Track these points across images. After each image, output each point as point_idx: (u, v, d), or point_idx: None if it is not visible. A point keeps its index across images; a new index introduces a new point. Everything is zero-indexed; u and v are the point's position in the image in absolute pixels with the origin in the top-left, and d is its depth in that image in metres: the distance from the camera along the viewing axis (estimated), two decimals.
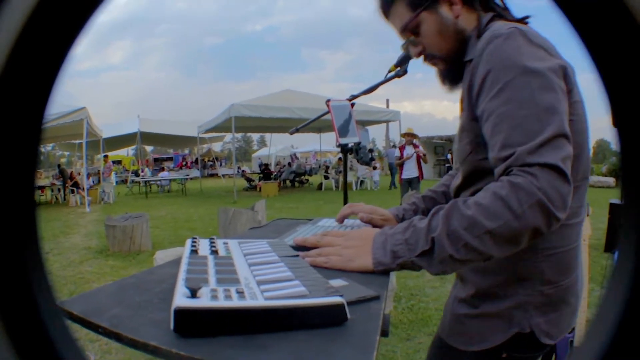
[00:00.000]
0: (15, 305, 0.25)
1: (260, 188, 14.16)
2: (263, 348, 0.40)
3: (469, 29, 0.86)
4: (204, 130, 14.76)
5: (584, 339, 0.27)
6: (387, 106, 22.66)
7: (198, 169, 21.27)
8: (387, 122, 14.19)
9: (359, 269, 0.71)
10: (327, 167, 17.99)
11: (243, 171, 22.25)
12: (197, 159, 23.55)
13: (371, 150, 1.46)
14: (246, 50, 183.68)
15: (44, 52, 0.24)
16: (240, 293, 0.46)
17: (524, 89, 0.70)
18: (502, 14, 0.87)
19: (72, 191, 11.96)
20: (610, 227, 4.66)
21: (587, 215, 2.16)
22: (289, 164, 19.47)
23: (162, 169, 22.98)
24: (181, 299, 0.43)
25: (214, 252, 0.68)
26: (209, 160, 28.26)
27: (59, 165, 14.28)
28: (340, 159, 17.26)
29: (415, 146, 7.49)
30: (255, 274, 0.56)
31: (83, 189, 11.37)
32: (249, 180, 17.02)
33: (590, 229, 2.15)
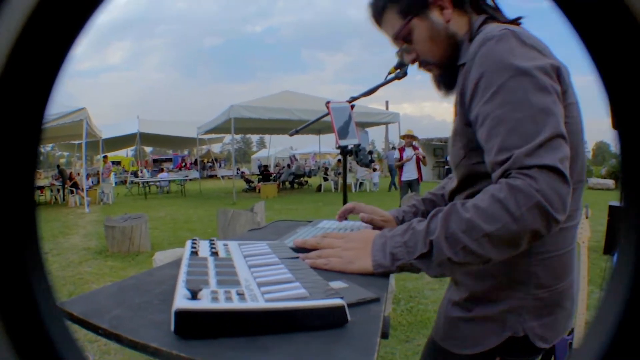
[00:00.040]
0: (15, 305, 0.25)
1: (259, 189, 14.14)
2: (264, 350, 0.40)
3: (460, 33, 0.85)
4: (204, 132, 14.74)
5: (583, 341, 0.27)
6: (387, 108, 22.64)
7: (197, 170, 21.25)
8: (386, 123, 14.16)
9: (358, 270, 0.71)
10: (327, 169, 18.00)
11: (242, 172, 22.20)
12: (196, 160, 23.52)
13: (371, 152, 1.46)
14: (246, 51, 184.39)
15: (44, 53, 0.24)
16: (241, 295, 0.46)
17: (518, 90, 0.69)
18: (494, 15, 0.86)
19: (72, 192, 11.94)
20: (610, 230, 4.67)
21: (587, 217, 2.17)
22: (288, 165, 19.47)
23: (162, 170, 22.92)
24: (182, 301, 0.43)
25: (214, 254, 0.68)
26: (208, 162, 28.21)
27: (58, 166, 14.24)
28: (339, 160, 17.27)
29: (414, 148, 7.49)
30: (256, 276, 0.56)
31: (82, 189, 11.35)
32: (248, 181, 16.99)
33: (590, 231, 2.15)
